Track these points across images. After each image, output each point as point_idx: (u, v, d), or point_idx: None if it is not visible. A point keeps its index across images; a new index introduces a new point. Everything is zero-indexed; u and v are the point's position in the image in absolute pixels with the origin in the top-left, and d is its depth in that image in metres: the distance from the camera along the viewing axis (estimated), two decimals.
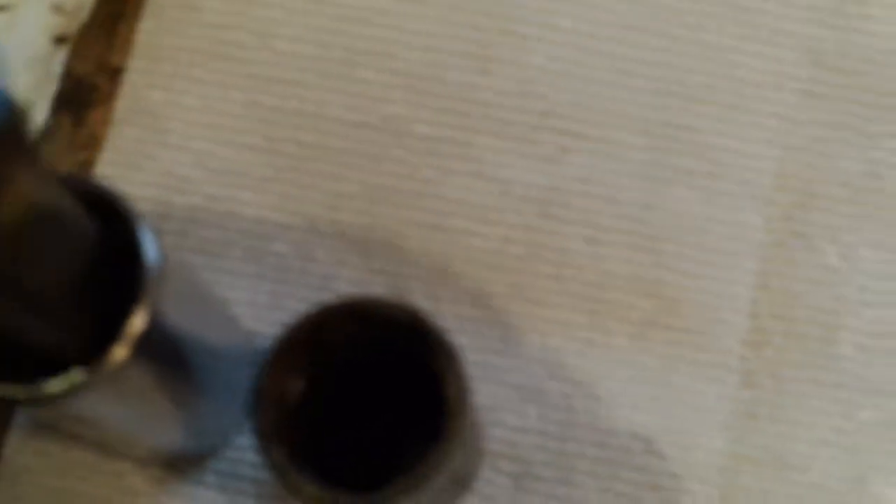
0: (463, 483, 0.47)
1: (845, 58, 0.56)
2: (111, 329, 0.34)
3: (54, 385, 0.33)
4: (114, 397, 0.37)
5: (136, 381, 0.37)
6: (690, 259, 0.55)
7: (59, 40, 0.57)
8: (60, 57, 0.57)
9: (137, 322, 0.34)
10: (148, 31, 0.57)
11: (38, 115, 0.55)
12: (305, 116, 0.57)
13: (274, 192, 0.56)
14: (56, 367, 0.33)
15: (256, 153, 0.55)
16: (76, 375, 0.33)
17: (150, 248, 0.35)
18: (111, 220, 0.34)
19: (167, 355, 0.38)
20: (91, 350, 0.34)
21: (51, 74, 0.56)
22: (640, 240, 0.55)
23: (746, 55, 0.57)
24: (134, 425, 0.43)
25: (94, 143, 0.55)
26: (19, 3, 0.58)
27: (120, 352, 0.34)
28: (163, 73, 0.57)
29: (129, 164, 0.55)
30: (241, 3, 0.57)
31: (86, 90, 0.56)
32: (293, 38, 0.58)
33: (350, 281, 0.54)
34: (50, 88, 0.56)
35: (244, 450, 0.52)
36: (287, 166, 0.56)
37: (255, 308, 0.53)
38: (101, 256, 0.33)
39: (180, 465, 0.52)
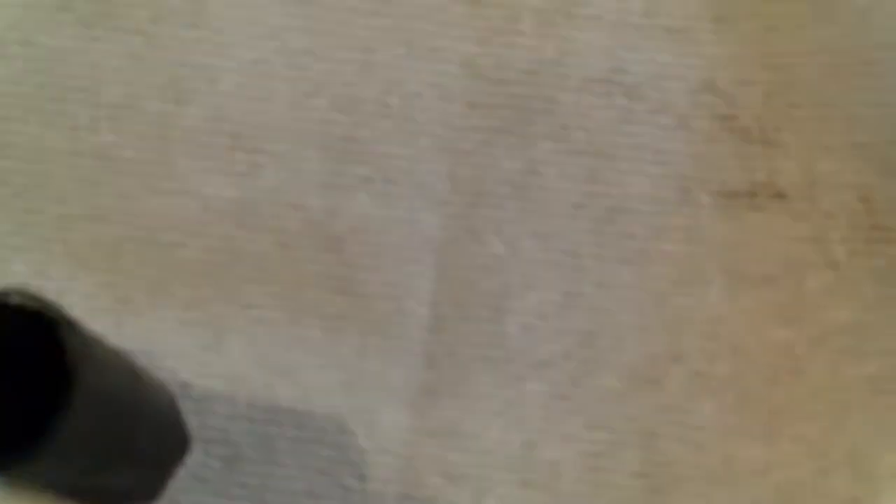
0: (130, 456, 0.53)
1: (500, 69, 0.63)
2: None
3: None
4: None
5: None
6: (375, 257, 0.61)
7: None
8: None
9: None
10: None
11: None
12: (26, 149, 0.63)
13: (8, 219, 0.62)
14: None
15: None
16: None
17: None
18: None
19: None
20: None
21: None
22: (328, 242, 0.61)
23: (412, 72, 0.63)
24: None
25: None
26: None
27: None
28: None
29: None
30: None
31: None
32: (6, 80, 0.63)
33: (81, 294, 0.60)
34: None
35: None
36: (16, 194, 0.61)
37: None
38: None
39: None
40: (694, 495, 0.57)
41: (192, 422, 0.59)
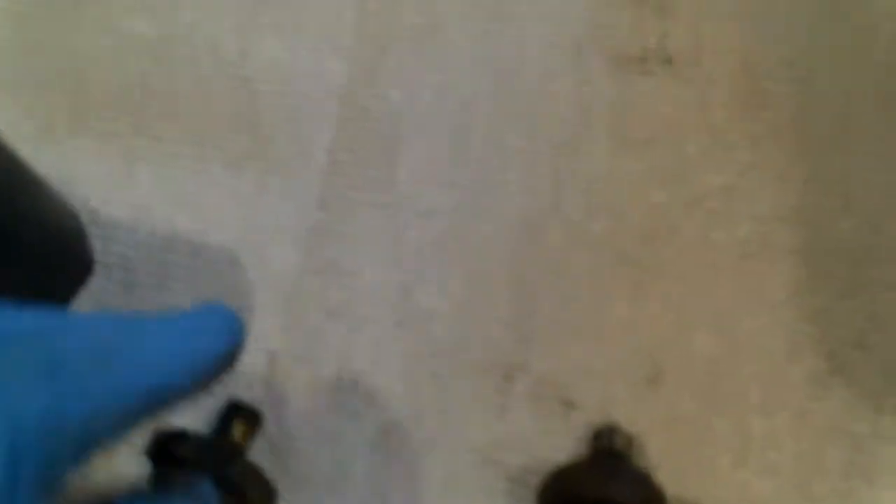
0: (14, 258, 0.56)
1: None
2: None
3: None
4: None
5: None
6: (281, 99, 0.64)
7: None
8: None
9: None
10: None
11: None
12: None
13: None
14: None
15: None
16: None
17: None
18: None
19: None
20: None
21: None
22: (239, 82, 0.64)
23: None
24: None
25: None
26: None
27: None
28: None
29: None
30: None
31: None
32: None
33: (4, 121, 0.65)
34: None
35: None
36: None
37: None
38: None
39: None
40: (558, 346, 0.59)
41: (97, 247, 0.63)
